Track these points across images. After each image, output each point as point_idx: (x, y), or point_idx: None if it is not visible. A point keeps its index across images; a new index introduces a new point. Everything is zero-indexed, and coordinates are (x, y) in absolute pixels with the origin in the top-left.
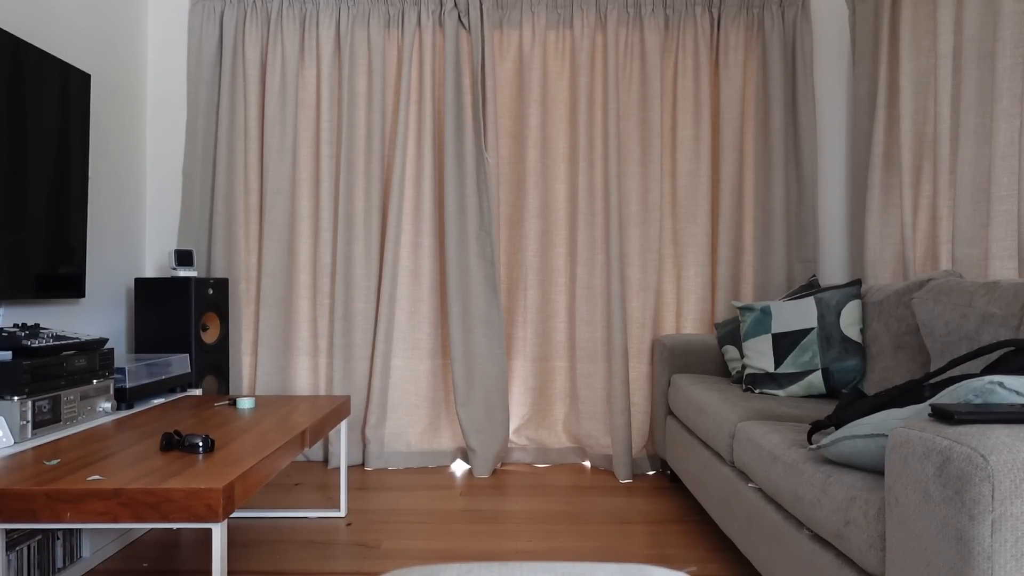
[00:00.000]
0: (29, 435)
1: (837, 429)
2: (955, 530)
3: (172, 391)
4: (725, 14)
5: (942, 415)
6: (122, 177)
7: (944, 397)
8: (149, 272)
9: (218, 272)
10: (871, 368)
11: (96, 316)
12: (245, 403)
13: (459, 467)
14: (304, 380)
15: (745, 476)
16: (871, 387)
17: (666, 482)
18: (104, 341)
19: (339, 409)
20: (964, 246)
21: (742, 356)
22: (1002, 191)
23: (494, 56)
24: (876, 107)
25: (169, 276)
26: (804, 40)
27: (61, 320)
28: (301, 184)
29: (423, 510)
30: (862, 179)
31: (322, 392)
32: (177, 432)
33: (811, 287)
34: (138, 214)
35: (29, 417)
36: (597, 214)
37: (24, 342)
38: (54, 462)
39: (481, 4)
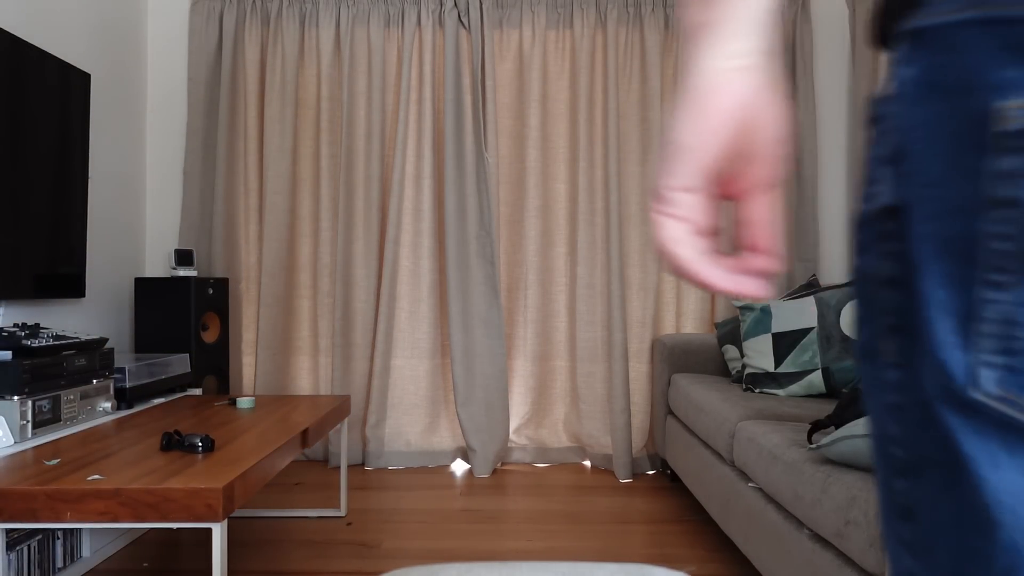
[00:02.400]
0: (29, 435)
1: (837, 429)
2: None
3: (172, 391)
4: None
5: None
6: (122, 177)
7: None
8: (149, 272)
9: (218, 272)
10: None
11: (96, 316)
12: (245, 403)
13: (459, 467)
14: (304, 380)
15: (745, 476)
16: None
17: (666, 482)
18: (104, 341)
19: (339, 409)
20: None
21: (742, 356)
22: None
23: (494, 56)
24: None
25: (169, 276)
26: (804, 40)
27: (61, 320)
28: (301, 184)
29: (423, 510)
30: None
31: (322, 392)
32: (177, 432)
33: (811, 286)
34: (138, 214)
35: (29, 417)
36: (597, 214)
37: (24, 342)
38: (54, 462)
39: (481, 4)
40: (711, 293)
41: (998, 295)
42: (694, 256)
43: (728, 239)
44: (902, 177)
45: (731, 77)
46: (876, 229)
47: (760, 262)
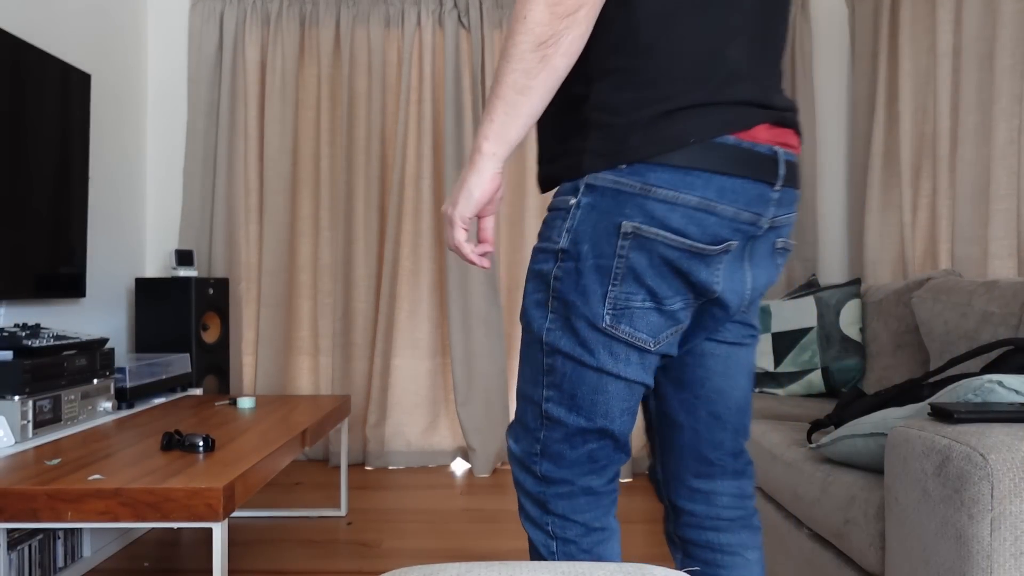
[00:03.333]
0: (30, 435)
1: (837, 428)
2: (954, 529)
3: (172, 391)
4: None
5: (941, 414)
6: (122, 177)
7: (943, 396)
8: (149, 272)
9: (218, 272)
10: (871, 367)
11: (97, 316)
12: (245, 403)
13: (459, 466)
14: (304, 380)
15: None
16: (871, 386)
17: None
18: (104, 341)
19: (339, 408)
20: (963, 245)
21: None
22: (1001, 190)
23: (494, 55)
24: (875, 106)
25: (169, 276)
26: (803, 39)
27: (62, 320)
28: (301, 184)
29: (423, 509)
30: (861, 178)
31: (322, 391)
32: (178, 431)
33: (811, 286)
34: (138, 214)
35: (30, 417)
36: None
37: (25, 342)
38: (55, 462)
39: (481, 4)
40: (471, 264)
41: (614, 290)
42: (469, 248)
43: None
44: (573, 241)
45: (496, 174)
46: (553, 254)
47: (487, 247)
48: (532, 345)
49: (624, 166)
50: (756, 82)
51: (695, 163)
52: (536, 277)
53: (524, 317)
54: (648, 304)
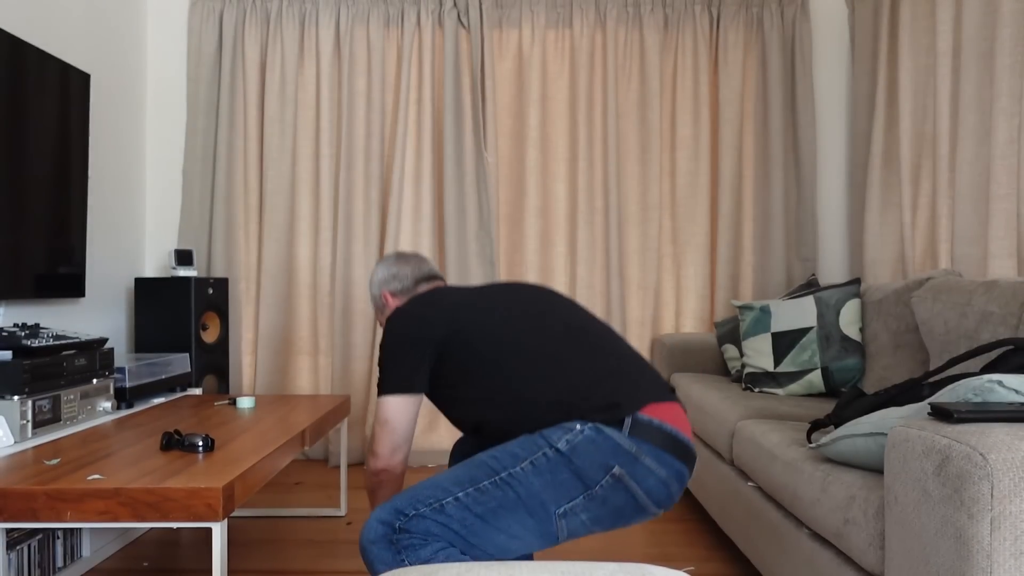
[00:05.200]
0: (29, 434)
1: (836, 428)
2: (954, 528)
3: (172, 390)
4: (724, 13)
5: (941, 414)
6: (122, 177)
7: (943, 396)
8: (149, 272)
9: (218, 272)
10: (870, 367)
11: (96, 316)
12: (245, 402)
13: None
14: (304, 379)
15: (745, 475)
16: (870, 386)
17: None
18: (104, 341)
19: (339, 408)
20: (963, 245)
21: (741, 355)
22: (1001, 190)
23: (493, 55)
24: (875, 106)
25: (169, 276)
26: (803, 39)
27: (61, 320)
28: (301, 184)
29: None
30: (861, 178)
31: (322, 391)
32: (177, 431)
33: (810, 286)
34: (138, 214)
35: (29, 416)
36: (597, 213)
37: (24, 342)
38: (54, 462)
39: (480, 3)
40: None
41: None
42: None
43: None
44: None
45: None
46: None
47: None
48: (491, 465)
49: None
50: None
51: None
52: None
53: None
54: None
